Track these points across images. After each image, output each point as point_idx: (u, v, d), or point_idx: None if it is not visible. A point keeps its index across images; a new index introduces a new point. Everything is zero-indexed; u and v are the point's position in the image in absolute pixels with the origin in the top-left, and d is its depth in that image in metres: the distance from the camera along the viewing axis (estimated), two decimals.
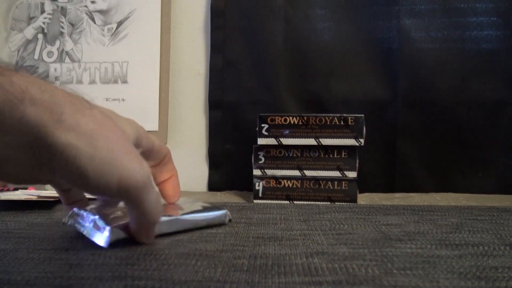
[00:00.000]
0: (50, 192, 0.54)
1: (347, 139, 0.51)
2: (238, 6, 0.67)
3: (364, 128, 0.51)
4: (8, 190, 0.53)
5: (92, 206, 0.35)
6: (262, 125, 0.53)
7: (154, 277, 0.23)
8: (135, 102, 0.68)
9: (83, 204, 0.33)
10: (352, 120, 0.51)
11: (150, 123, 0.68)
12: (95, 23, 0.70)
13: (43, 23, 0.71)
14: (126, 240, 0.30)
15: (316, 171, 0.52)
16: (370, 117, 0.57)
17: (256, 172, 0.54)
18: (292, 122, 0.52)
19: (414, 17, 0.64)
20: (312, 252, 0.29)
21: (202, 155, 0.70)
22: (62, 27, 0.71)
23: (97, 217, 0.31)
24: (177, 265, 0.26)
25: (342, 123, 0.51)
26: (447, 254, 0.28)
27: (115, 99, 0.69)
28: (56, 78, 0.70)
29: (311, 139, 0.52)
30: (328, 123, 0.52)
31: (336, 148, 0.52)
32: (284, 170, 0.53)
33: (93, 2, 0.70)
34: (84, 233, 0.31)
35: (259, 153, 0.54)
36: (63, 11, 0.71)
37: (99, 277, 0.24)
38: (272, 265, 0.26)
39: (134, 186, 0.22)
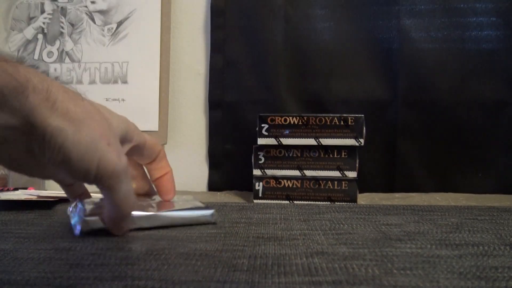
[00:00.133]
0: (50, 192, 0.54)
1: (347, 139, 0.51)
2: (238, 5, 0.67)
3: (364, 128, 0.51)
4: (8, 190, 0.53)
5: (92, 199, 0.37)
6: (262, 125, 0.53)
7: (154, 277, 0.23)
8: (135, 102, 0.68)
9: (84, 196, 0.34)
10: (352, 120, 0.51)
11: (150, 123, 0.68)
12: (95, 23, 0.70)
13: (43, 23, 0.71)
14: (101, 230, 0.32)
15: (316, 171, 0.52)
16: (370, 117, 0.57)
17: (256, 172, 0.54)
18: (292, 122, 0.52)
19: (414, 17, 0.64)
20: (312, 252, 0.29)
21: (202, 155, 0.70)
22: (62, 27, 0.71)
23: (81, 207, 0.33)
24: (177, 265, 0.26)
25: (342, 123, 0.51)
26: (447, 254, 0.28)
27: (115, 99, 0.69)
28: (56, 78, 0.70)
29: (311, 139, 0.52)
30: (328, 123, 0.52)
31: (336, 148, 0.52)
32: (284, 170, 0.53)
33: (93, 2, 0.70)
34: (72, 223, 0.33)
35: (259, 153, 0.54)
36: (63, 11, 0.71)
37: (99, 277, 0.24)
38: (272, 265, 0.26)
39: (110, 173, 0.24)
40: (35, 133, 0.22)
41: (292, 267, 0.25)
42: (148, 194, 0.41)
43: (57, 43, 0.71)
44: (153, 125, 0.68)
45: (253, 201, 0.53)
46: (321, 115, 0.52)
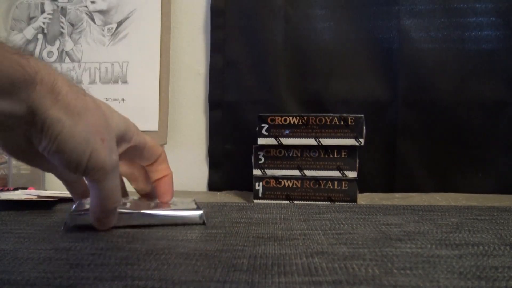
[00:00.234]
0: (50, 192, 0.54)
1: (347, 139, 0.51)
2: (238, 5, 0.67)
3: (364, 128, 0.51)
4: (8, 190, 0.53)
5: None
6: (262, 125, 0.53)
7: (154, 277, 0.23)
8: (135, 102, 0.68)
9: (86, 195, 0.35)
10: (352, 120, 0.51)
11: (150, 123, 0.68)
12: (95, 23, 0.70)
13: (43, 23, 0.71)
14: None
15: (316, 171, 0.52)
16: (370, 117, 0.57)
17: (256, 172, 0.54)
18: (292, 122, 0.52)
19: (414, 17, 0.64)
20: (312, 252, 0.29)
21: (202, 155, 0.70)
22: (62, 27, 0.71)
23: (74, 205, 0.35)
24: (177, 265, 0.26)
25: (342, 123, 0.51)
26: (447, 254, 0.28)
27: (115, 99, 0.69)
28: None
29: (311, 139, 0.52)
30: (328, 123, 0.52)
31: (336, 148, 0.52)
32: (284, 170, 0.53)
33: (93, 2, 0.70)
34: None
35: (259, 153, 0.54)
36: (63, 11, 0.71)
37: (99, 277, 0.24)
38: (272, 265, 0.26)
39: (99, 167, 0.25)
40: (35, 122, 0.23)
41: (292, 267, 0.25)
42: (149, 195, 0.41)
43: (57, 43, 0.71)
44: (153, 125, 0.68)
45: (253, 201, 0.53)
46: (321, 115, 0.52)
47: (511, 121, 0.63)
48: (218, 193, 0.65)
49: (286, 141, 0.52)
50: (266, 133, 0.53)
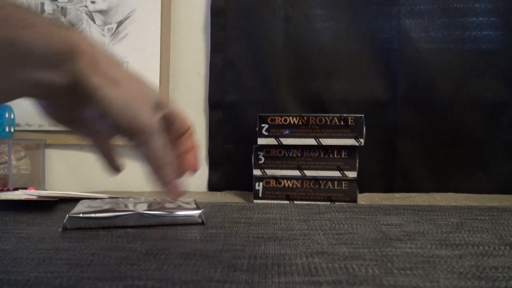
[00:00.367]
0: (50, 192, 0.54)
1: (347, 139, 0.51)
2: (238, 6, 0.67)
3: (364, 128, 0.51)
4: (8, 190, 0.53)
5: (89, 200, 0.42)
6: (262, 125, 0.53)
7: (154, 277, 0.23)
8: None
9: (118, 169, 0.35)
10: (352, 120, 0.51)
11: None
12: (95, 23, 0.70)
13: None
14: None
15: (316, 171, 0.52)
16: (370, 117, 0.57)
17: (256, 172, 0.54)
18: (292, 122, 0.52)
19: (414, 17, 0.64)
20: (312, 252, 0.29)
21: (202, 155, 0.70)
22: None
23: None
24: (177, 265, 0.26)
25: (342, 123, 0.51)
26: (447, 254, 0.28)
27: None
28: None
29: (311, 139, 0.52)
30: (328, 123, 0.52)
31: (336, 148, 0.52)
32: (284, 170, 0.53)
33: (93, 2, 0.70)
34: None
35: (259, 153, 0.54)
36: (63, 11, 0.71)
37: (99, 277, 0.24)
38: (272, 265, 0.26)
39: (141, 127, 0.27)
40: (78, 90, 0.25)
41: (292, 267, 0.25)
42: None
43: None
44: None
45: (253, 201, 0.53)
46: (321, 115, 0.52)
47: (511, 121, 0.63)
48: (218, 193, 0.65)
49: (286, 141, 0.52)
50: (266, 133, 0.53)
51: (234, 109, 0.68)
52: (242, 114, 0.67)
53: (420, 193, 0.62)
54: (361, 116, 0.51)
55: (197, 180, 0.70)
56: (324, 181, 0.52)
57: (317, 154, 0.52)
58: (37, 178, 0.68)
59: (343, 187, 0.52)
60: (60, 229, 0.35)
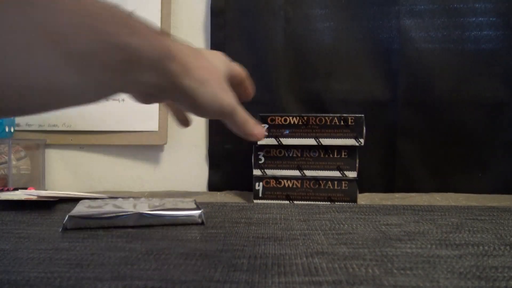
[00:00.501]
0: (50, 192, 0.54)
1: (347, 139, 0.51)
2: (238, 6, 0.67)
3: (364, 128, 0.51)
4: (8, 190, 0.53)
5: (89, 200, 0.42)
6: (262, 125, 0.53)
7: (154, 277, 0.23)
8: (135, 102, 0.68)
9: (185, 123, 0.41)
10: (352, 120, 0.51)
11: (150, 123, 0.68)
12: None
13: None
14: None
15: (316, 171, 0.52)
16: (370, 117, 0.57)
17: (256, 172, 0.54)
18: (292, 122, 0.52)
19: (414, 17, 0.64)
20: (312, 252, 0.29)
21: (202, 155, 0.70)
22: None
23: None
24: (177, 265, 0.26)
25: (342, 123, 0.51)
26: (447, 254, 0.28)
27: (115, 99, 0.69)
28: None
29: (311, 139, 0.52)
30: (328, 123, 0.52)
31: (336, 148, 0.52)
32: (284, 170, 0.53)
33: None
34: None
35: (259, 153, 0.54)
36: None
37: (99, 277, 0.24)
38: (272, 265, 0.26)
39: (227, 109, 0.33)
40: (172, 90, 0.29)
41: (292, 267, 0.25)
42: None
43: None
44: (153, 125, 0.68)
45: (253, 201, 0.53)
46: (321, 115, 0.52)
47: (511, 121, 0.63)
48: (218, 193, 0.65)
49: (286, 141, 0.52)
50: (266, 133, 0.53)
51: None
52: None
53: (420, 193, 0.62)
54: (361, 116, 0.51)
55: (197, 180, 0.70)
56: (324, 181, 0.52)
57: (317, 154, 0.52)
58: (37, 178, 0.68)
59: (343, 187, 0.52)
60: (60, 229, 0.35)
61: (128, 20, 0.25)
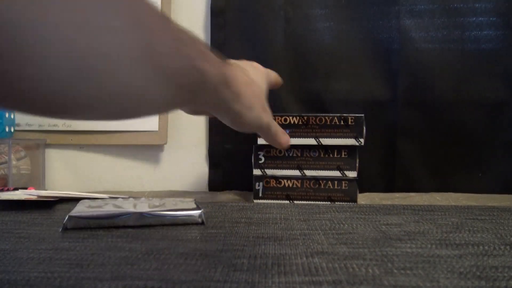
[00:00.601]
0: (50, 192, 0.54)
1: (347, 139, 0.51)
2: (238, 5, 0.67)
3: (364, 128, 0.51)
4: (8, 190, 0.53)
5: (89, 200, 0.42)
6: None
7: (154, 277, 0.23)
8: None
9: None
10: (352, 120, 0.51)
11: (150, 123, 0.68)
12: None
13: None
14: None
15: (316, 171, 0.52)
16: (370, 117, 0.57)
17: (256, 172, 0.54)
18: (292, 122, 0.52)
19: (414, 17, 0.64)
20: (312, 251, 0.29)
21: (202, 155, 0.70)
22: None
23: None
24: (177, 265, 0.26)
25: (342, 123, 0.51)
26: (447, 253, 0.28)
27: None
28: None
29: (311, 139, 0.52)
30: (328, 123, 0.52)
31: (336, 148, 0.52)
32: (284, 170, 0.53)
33: None
34: None
35: (259, 153, 0.54)
36: None
37: (99, 277, 0.24)
38: (272, 265, 0.26)
39: (264, 127, 0.37)
40: (225, 111, 0.34)
41: (292, 267, 0.25)
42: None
43: None
44: (153, 125, 0.68)
45: (253, 201, 0.53)
46: (321, 115, 0.52)
47: (511, 121, 0.63)
48: (218, 193, 0.65)
49: None
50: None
51: None
52: None
53: (420, 193, 0.62)
54: (361, 116, 0.51)
55: (197, 180, 0.70)
56: (324, 181, 0.52)
57: (317, 154, 0.52)
58: (37, 178, 0.68)
59: (343, 187, 0.52)
60: (60, 229, 0.35)
61: (201, 46, 0.28)
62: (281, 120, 0.53)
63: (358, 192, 0.52)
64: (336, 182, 0.52)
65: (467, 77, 0.63)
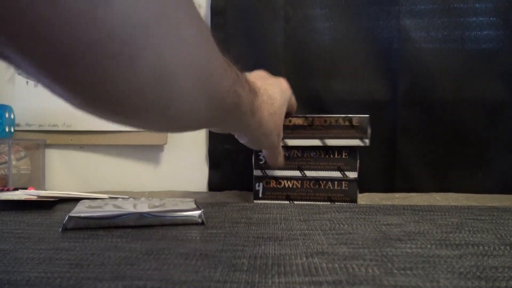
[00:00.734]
0: (50, 192, 0.54)
1: (352, 140, 0.51)
2: (238, 5, 0.67)
3: (369, 128, 0.51)
4: (8, 190, 0.53)
5: (89, 201, 0.42)
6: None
7: (154, 277, 0.23)
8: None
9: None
10: (357, 121, 0.51)
11: None
12: None
13: None
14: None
15: (317, 172, 0.52)
16: (370, 117, 0.57)
17: (257, 172, 0.54)
18: (297, 123, 0.52)
19: (414, 17, 0.64)
20: (312, 252, 0.29)
21: (202, 155, 0.70)
22: None
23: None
24: (177, 265, 0.26)
25: (347, 123, 0.51)
26: (447, 254, 0.28)
27: None
28: None
29: (315, 140, 0.52)
30: (333, 123, 0.51)
31: (337, 148, 0.52)
32: (284, 171, 0.53)
33: None
34: None
35: (259, 153, 0.53)
36: None
37: (99, 277, 0.24)
38: (272, 265, 0.26)
39: (273, 148, 0.42)
40: (246, 134, 0.38)
41: (292, 267, 0.25)
42: None
43: None
44: None
45: (253, 201, 0.53)
46: (326, 116, 0.52)
47: (511, 121, 0.63)
48: (218, 193, 0.65)
49: (290, 142, 0.52)
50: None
51: None
52: None
53: (420, 193, 0.62)
54: (366, 117, 0.51)
55: (197, 180, 0.70)
56: (324, 182, 0.52)
57: (317, 155, 0.52)
58: (37, 178, 0.68)
59: (343, 187, 0.52)
60: (60, 229, 0.35)
61: (237, 70, 0.31)
62: (285, 122, 0.52)
63: (358, 192, 0.52)
64: (336, 182, 0.52)
65: (467, 77, 0.63)
